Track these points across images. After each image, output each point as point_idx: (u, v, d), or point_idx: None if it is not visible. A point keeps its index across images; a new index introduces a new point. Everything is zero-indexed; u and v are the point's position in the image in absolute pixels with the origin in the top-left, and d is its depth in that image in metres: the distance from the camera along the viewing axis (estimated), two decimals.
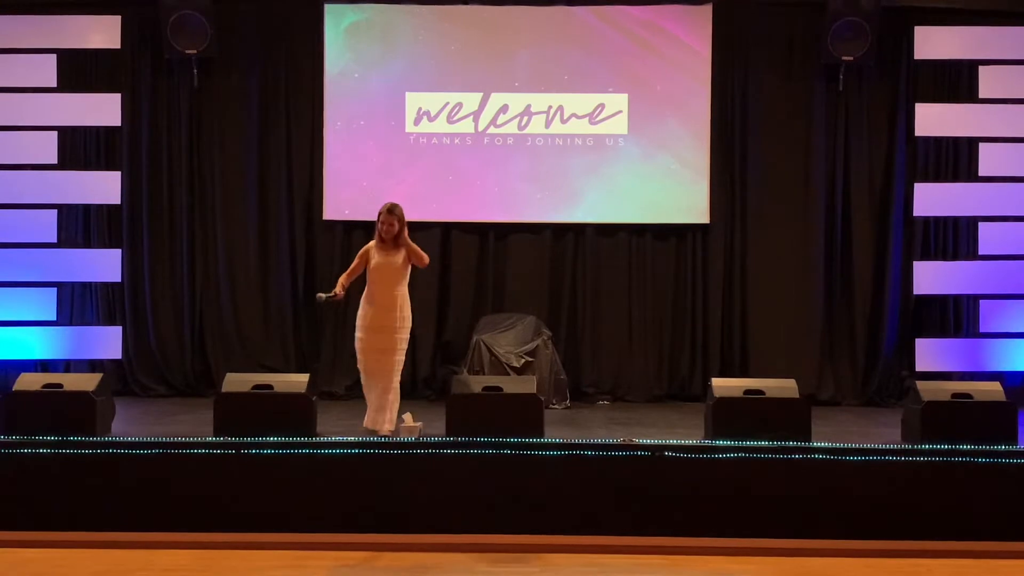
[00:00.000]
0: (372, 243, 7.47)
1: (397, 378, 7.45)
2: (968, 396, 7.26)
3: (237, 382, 7.35)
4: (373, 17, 9.89)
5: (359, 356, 7.47)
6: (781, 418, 7.12)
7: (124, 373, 9.80)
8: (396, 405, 7.46)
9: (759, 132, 9.90)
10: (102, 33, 9.78)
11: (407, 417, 7.43)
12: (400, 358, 7.48)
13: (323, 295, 7.51)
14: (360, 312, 7.45)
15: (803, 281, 9.89)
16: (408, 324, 7.48)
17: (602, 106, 9.84)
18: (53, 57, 9.78)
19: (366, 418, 7.47)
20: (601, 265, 9.98)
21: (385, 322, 7.37)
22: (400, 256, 7.41)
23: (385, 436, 7.27)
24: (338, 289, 7.42)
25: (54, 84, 9.80)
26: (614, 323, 9.97)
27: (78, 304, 10.00)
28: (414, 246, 7.42)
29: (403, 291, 7.45)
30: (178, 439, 6.89)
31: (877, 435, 7.67)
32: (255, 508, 6.64)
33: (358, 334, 7.44)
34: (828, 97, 9.83)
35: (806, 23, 9.69)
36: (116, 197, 9.90)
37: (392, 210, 7.39)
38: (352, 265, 7.52)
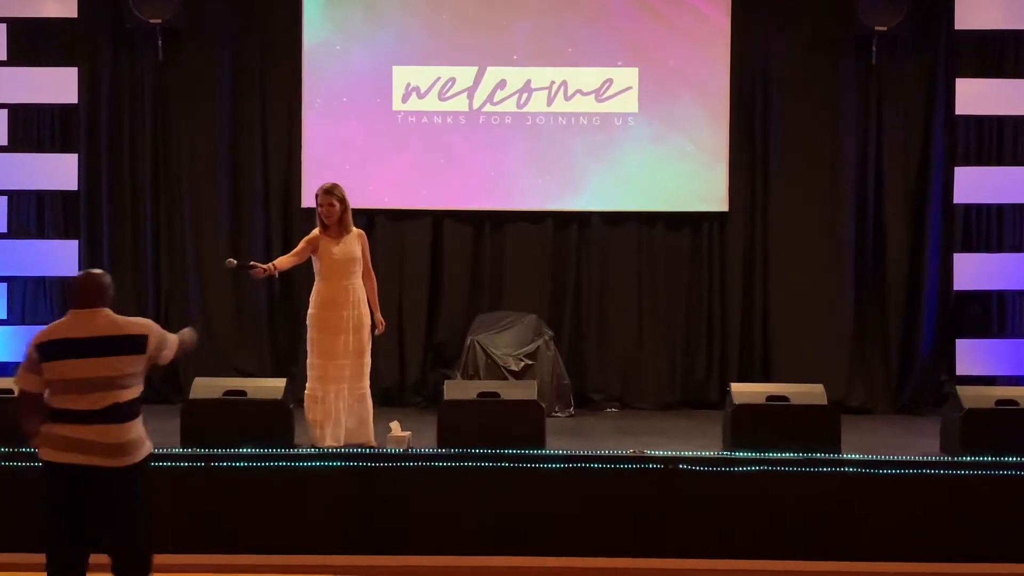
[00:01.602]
0: (317, 231, 7.33)
1: (367, 382, 7.40)
2: (1014, 403, 7.25)
3: (206, 387, 7.34)
4: None
5: (319, 362, 7.27)
6: (808, 427, 7.12)
7: None
8: (371, 413, 7.41)
9: (782, 111, 9.87)
10: (57, 1, 9.76)
11: (394, 426, 7.41)
12: (369, 359, 7.42)
13: (234, 261, 7.44)
14: (315, 312, 7.30)
15: (831, 276, 9.88)
16: (368, 320, 7.41)
17: (610, 81, 9.81)
18: (2, 27, 9.76)
19: (335, 435, 7.24)
20: (608, 258, 9.97)
21: (351, 322, 7.26)
22: (357, 245, 7.33)
23: (371, 448, 7.24)
24: (269, 265, 7.30)
25: (3, 57, 9.78)
26: (622, 322, 9.96)
27: (31, 301, 9.97)
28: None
29: (359, 283, 7.35)
30: None
31: (913, 446, 7.66)
32: (225, 527, 6.64)
33: (317, 335, 7.27)
34: (859, 72, 9.80)
35: None
36: (73, 182, 9.88)
37: (331, 191, 7.28)
38: (296, 249, 7.42)
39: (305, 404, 7.32)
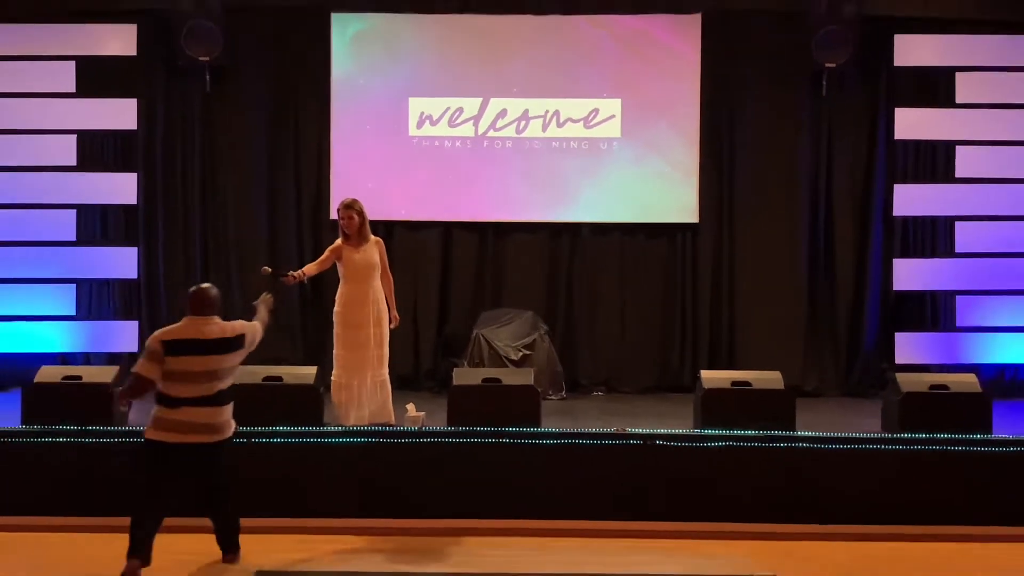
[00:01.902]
0: (339, 241, 7.35)
1: (386, 370, 7.43)
2: (945, 387, 7.28)
3: (249, 374, 7.28)
4: (377, 26, 9.88)
5: (343, 353, 7.30)
6: (767, 408, 7.14)
7: None
8: (390, 396, 7.45)
9: (746, 135, 9.88)
10: (118, 41, 9.76)
11: (410, 407, 7.44)
12: (387, 350, 7.44)
13: (269, 269, 7.52)
14: (340, 310, 7.31)
15: (788, 278, 9.87)
16: (386, 316, 7.43)
17: (596, 111, 9.83)
18: (72, 64, 9.76)
19: (358, 417, 7.26)
20: (595, 263, 9.96)
21: (371, 318, 7.28)
22: (375, 251, 7.35)
23: (390, 426, 7.27)
24: (298, 272, 7.37)
25: (73, 89, 9.78)
26: (608, 318, 9.95)
27: (96, 299, 9.98)
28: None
29: (378, 285, 7.39)
30: None
31: (858, 425, 7.65)
32: (266, 495, 6.66)
33: (342, 330, 7.29)
34: (812, 102, 9.81)
35: (791, 32, 9.62)
36: (132, 197, 9.88)
37: (350, 205, 7.32)
38: (321, 257, 7.45)
39: (332, 389, 7.36)
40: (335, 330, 7.37)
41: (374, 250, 7.36)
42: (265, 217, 9.96)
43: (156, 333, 5.49)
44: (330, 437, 6.90)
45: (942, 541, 6.42)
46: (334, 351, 7.39)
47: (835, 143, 9.87)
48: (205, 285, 5.68)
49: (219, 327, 5.54)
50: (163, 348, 5.35)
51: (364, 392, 7.30)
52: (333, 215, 9.77)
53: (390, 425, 7.28)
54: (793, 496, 6.73)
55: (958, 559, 6.13)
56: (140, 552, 5.35)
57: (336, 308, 7.38)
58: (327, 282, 9.29)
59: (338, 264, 7.37)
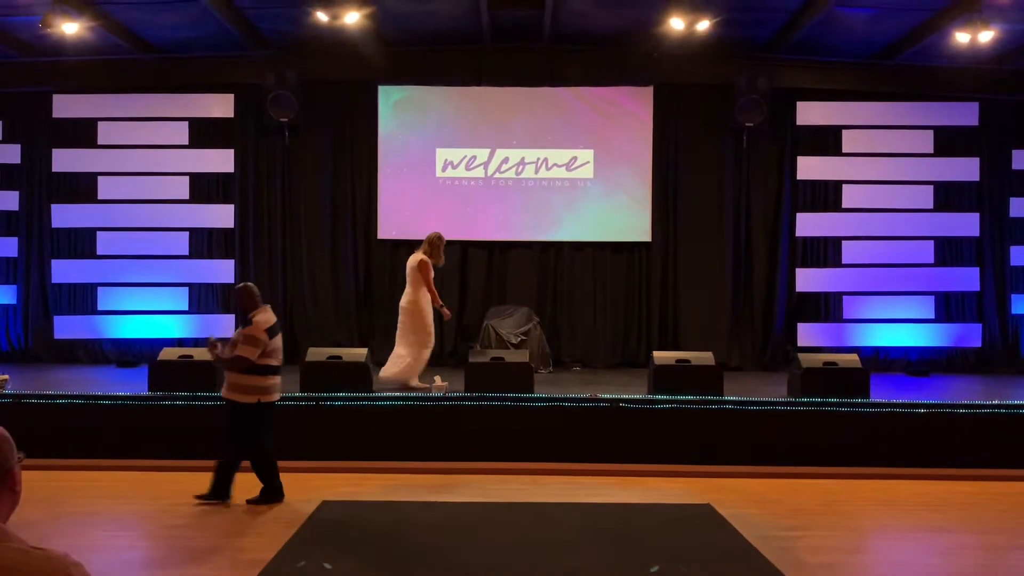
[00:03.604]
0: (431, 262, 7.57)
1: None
2: (834, 364, 7.30)
3: (316, 354, 7.38)
4: (413, 95, 9.88)
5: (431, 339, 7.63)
6: (702, 379, 7.16)
7: None
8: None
9: (687, 176, 9.85)
10: (221, 106, 9.79)
11: (437, 378, 7.44)
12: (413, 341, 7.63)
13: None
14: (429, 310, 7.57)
15: (717, 282, 9.85)
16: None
17: (575, 158, 9.82)
18: (186, 123, 9.79)
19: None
20: (574, 271, 9.93)
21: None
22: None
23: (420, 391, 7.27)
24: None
25: (187, 142, 9.80)
26: (583, 312, 9.92)
27: (203, 298, 9.97)
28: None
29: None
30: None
31: (770, 391, 7.66)
32: (329, 443, 6.68)
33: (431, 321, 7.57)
34: (735, 152, 9.80)
35: (719, 100, 9.63)
36: (230, 223, 9.89)
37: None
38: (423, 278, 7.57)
39: (403, 364, 7.51)
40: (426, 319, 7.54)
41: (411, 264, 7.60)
42: (329, 237, 9.93)
43: (257, 323, 5.36)
44: (377, 400, 6.92)
45: (833, 478, 6.45)
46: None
47: (752, 182, 9.87)
48: (249, 283, 5.65)
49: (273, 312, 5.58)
50: (267, 335, 5.37)
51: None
52: (380, 235, 9.83)
53: (422, 389, 7.29)
54: (721, 444, 6.76)
55: (845, 491, 6.14)
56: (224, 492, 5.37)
57: (417, 307, 7.51)
58: (376, 280, 9.39)
59: (426, 276, 7.52)
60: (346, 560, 4.44)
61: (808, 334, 9.77)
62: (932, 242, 9.80)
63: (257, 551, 4.54)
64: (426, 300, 7.50)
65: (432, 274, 7.56)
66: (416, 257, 7.53)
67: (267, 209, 9.95)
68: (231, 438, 5.44)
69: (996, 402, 6.93)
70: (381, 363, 9.53)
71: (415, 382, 7.45)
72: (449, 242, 9.85)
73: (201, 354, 7.48)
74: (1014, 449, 6.64)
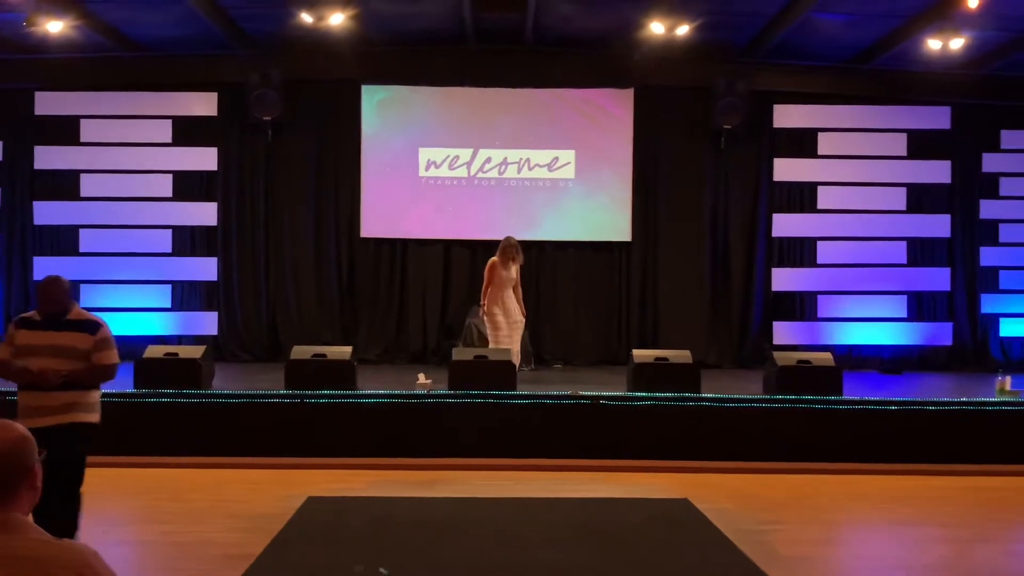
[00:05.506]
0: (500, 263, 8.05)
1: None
2: (808, 362, 7.39)
3: (301, 352, 7.37)
4: (396, 95, 9.89)
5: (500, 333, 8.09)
6: (680, 377, 7.22)
7: (219, 345, 9.70)
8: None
9: (666, 178, 9.92)
10: (204, 104, 9.75)
11: (421, 376, 7.46)
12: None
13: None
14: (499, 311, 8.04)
15: (695, 281, 9.92)
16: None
17: (557, 159, 9.86)
18: (169, 121, 9.75)
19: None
20: (556, 270, 9.97)
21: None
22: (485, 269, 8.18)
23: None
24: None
25: (170, 140, 9.76)
26: (565, 311, 9.96)
27: (187, 296, 9.93)
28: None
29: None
30: (259, 392, 6.96)
31: (746, 388, 7.74)
32: (314, 440, 6.70)
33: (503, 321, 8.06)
34: (714, 153, 9.88)
35: (698, 102, 9.70)
36: (213, 221, 9.85)
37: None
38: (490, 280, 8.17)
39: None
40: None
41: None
42: (312, 236, 9.91)
43: (103, 323, 4.12)
44: (362, 398, 6.95)
45: (807, 473, 6.55)
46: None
47: (730, 183, 9.95)
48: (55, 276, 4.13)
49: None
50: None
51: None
52: (363, 233, 9.84)
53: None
54: (698, 440, 6.83)
55: (818, 485, 6.25)
56: None
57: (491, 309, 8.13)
58: (360, 280, 9.37)
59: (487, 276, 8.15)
60: (333, 555, 4.50)
61: (784, 333, 9.89)
62: (905, 243, 9.97)
63: (244, 547, 4.59)
64: (492, 299, 8.09)
65: (496, 275, 8.12)
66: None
67: (250, 207, 9.91)
68: (79, 476, 4.02)
69: (965, 399, 7.09)
70: (365, 360, 9.59)
71: (519, 364, 7.98)
72: (432, 241, 9.95)
73: (187, 352, 7.51)
74: (981, 445, 6.79)
